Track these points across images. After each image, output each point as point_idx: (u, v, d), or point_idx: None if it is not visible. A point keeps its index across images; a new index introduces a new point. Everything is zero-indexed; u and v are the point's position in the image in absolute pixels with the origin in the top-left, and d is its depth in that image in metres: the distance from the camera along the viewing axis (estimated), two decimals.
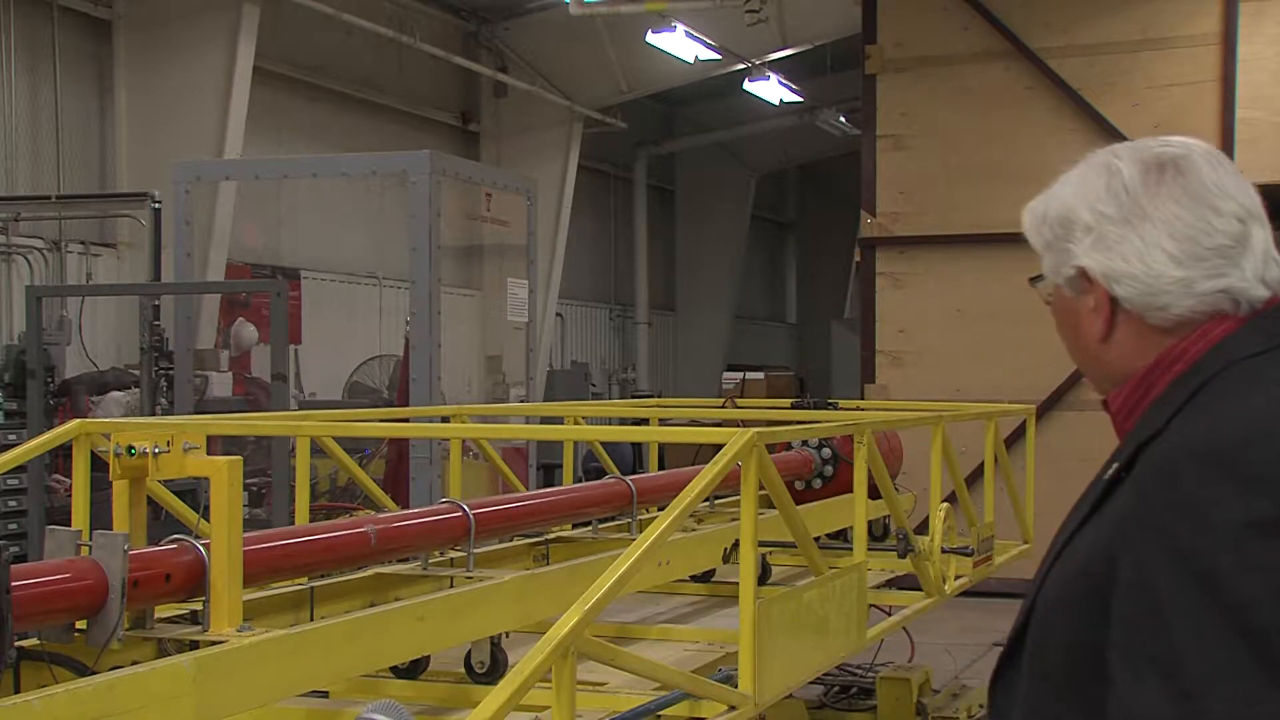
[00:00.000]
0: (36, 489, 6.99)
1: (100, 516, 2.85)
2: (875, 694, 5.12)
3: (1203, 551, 1.19)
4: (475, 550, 3.03)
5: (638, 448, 10.69)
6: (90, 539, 2.19)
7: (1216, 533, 1.19)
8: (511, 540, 3.55)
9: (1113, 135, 8.91)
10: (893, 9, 9.53)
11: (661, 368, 20.52)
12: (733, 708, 2.60)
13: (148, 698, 1.96)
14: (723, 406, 5.69)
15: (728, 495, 4.33)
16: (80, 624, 2.17)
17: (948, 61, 9.40)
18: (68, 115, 10.75)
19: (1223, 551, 1.18)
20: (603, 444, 5.34)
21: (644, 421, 5.99)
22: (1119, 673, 1.22)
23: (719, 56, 14.29)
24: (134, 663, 2.19)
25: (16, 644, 2.07)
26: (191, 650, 2.20)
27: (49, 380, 7.70)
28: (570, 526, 3.84)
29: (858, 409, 5.55)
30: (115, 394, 8.52)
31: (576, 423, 4.89)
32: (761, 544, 3.11)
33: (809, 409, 5.12)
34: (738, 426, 3.23)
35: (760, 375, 14.00)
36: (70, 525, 2.64)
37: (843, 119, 18.09)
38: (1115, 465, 1.36)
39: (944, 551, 4.00)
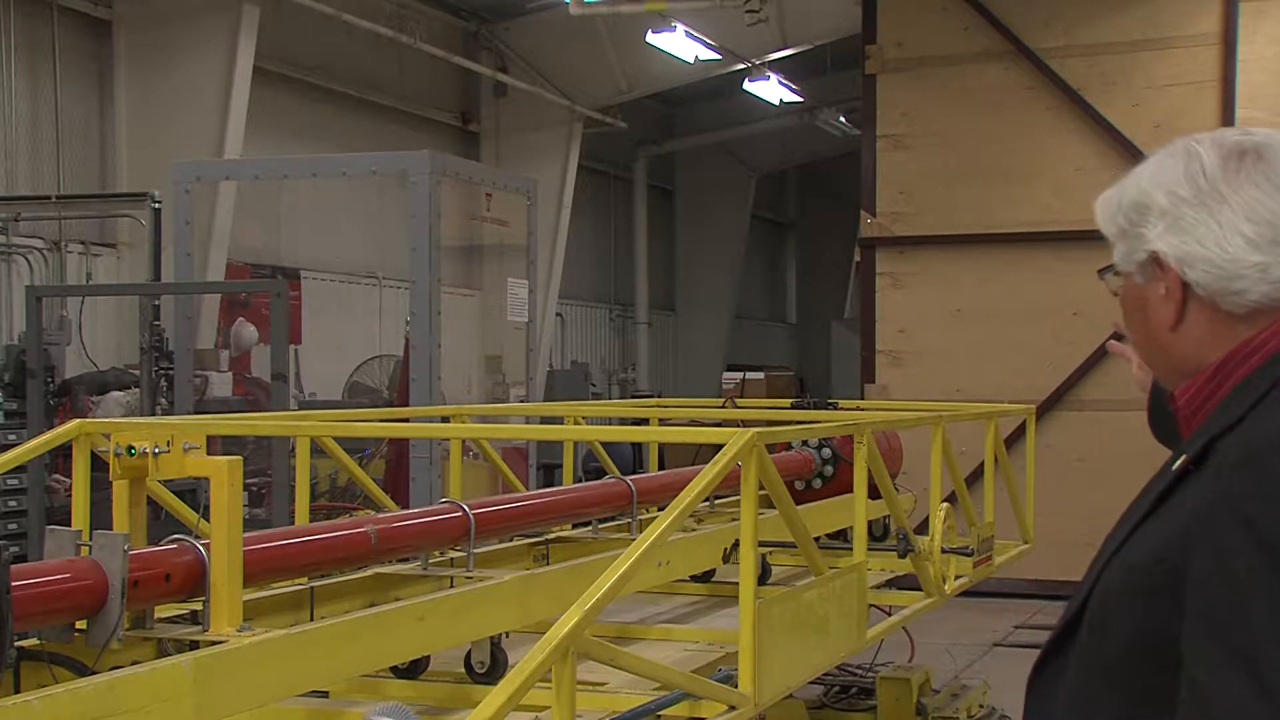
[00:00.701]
0: (36, 489, 6.98)
1: (100, 516, 2.83)
2: (875, 694, 5.09)
3: None
4: (475, 550, 3.01)
5: (638, 448, 10.68)
6: (90, 539, 2.18)
7: None
8: (511, 540, 3.54)
9: (1113, 136, 8.91)
10: (893, 9, 9.53)
11: (661, 368, 20.52)
12: (733, 708, 2.59)
13: (148, 698, 1.96)
14: (723, 406, 5.68)
15: (728, 495, 4.32)
16: (80, 624, 2.17)
17: (948, 61, 9.39)
18: (68, 115, 10.74)
19: None
20: (603, 444, 5.31)
21: (644, 422, 5.97)
22: (1196, 664, 1.21)
23: (719, 56, 14.28)
24: (134, 663, 2.18)
25: (16, 644, 2.07)
26: (191, 650, 2.20)
27: (49, 380, 7.67)
28: (570, 526, 3.83)
29: (858, 409, 5.54)
30: (115, 394, 8.51)
31: (576, 423, 4.88)
32: (761, 544, 3.09)
33: (809, 409, 5.11)
34: (738, 426, 3.22)
35: (760, 375, 14.00)
36: (70, 525, 2.63)
37: (843, 119, 18.08)
38: (1183, 458, 1.33)
39: (944, 551, 3.98)
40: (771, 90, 16.04)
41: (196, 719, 2.05)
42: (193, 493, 6.03)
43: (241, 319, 9.59)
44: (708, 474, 2.56)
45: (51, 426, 5.77)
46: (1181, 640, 1.23)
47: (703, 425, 5.44)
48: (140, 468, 2.52)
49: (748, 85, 15.82)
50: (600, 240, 19.18)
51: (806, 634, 2.97)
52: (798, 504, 3.13)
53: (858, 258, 10.35)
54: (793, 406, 5.35)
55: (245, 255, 11.64)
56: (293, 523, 3.93)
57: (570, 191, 15.83)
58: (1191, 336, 1.38)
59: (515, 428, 5.75)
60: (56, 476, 7.42)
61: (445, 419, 4.75)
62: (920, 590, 4.07)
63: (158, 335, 8.14)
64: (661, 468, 5.78)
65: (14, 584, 1.98)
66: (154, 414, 7.82)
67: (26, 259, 10.28)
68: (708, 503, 4.26)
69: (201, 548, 2.31)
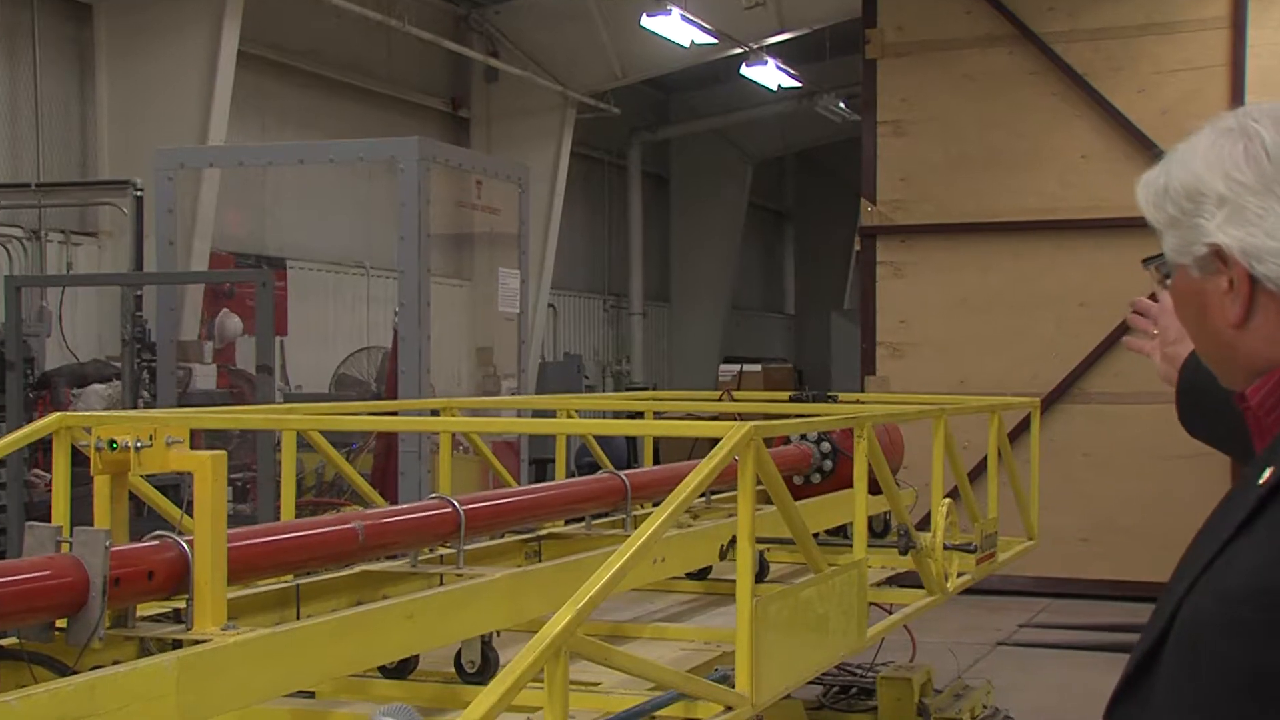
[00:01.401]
0: (15, 484, 6.97)
1: (81, 512, 2.83)
2: (875, 694, 5.10)
3: None
4: (466, 547, 3.02)
5: (632, 442, 10.62)
6: (71, 535, 2.19)
7: None
8: (503, 536, 3.54)
9: (1119, 121, 8.79)
10: None
11: (656, 360, 20.44)
12: (729, 708, 2.59)
13: (129, 698, 1.96)
14: (719, 399, 5.67)
15: (724, 490, 4.31)
16: (60, 623, 2.17)
17: (950, 46, 9.28)
18: (47, 101, 10.67)
19: None
20: (596, 438, 5.31)
21: (639, 415, 5.97)
22: None
23: (715, 41, 14.18)
24: (115, 662, 2.20)
25: None
26: (174, 649, 2.21)
27: (28, 372, 7.74)
28: (563, 522, 3.84)
29: (857, 402, 5.55)
30: (96, 386, 8.43)
31: (569, 416, 4.88)
32: (759, 540, 3.08)
33: (807, 402, 5.11)
34: (734, 420, 3.27)
35: (757, 367, 13.89)
36: (50, 521, 2.66)
37: (842, 104, 17.99)
38: (1270, 469, 1.22)
39: (946, 548, 3.98)
40: (769, 75, 15.93)
41: None
42: (176, 488, 5.93)
43: (226, 310, 9.47)
44: (704, 469, 2.56)
45: (31, 420, 5.83)
46: None
47: (699, 419, 5.50)
48: (122, 462, 2.52)
49: (745, 70, 15.73)
50: (593, 229, 19.07)
51: (805, 633, 2.98)
52: (796, 499, 3.14)
53: (857, 246, 10.25)
54: (791, 399, 5.35)
55: (229, 244, 11.58)
56: (278, 519, 3.97)
57: (563, 179, 15.72)
58: (1260, 334, 1.29)
59: (507, 421, 5.77)
60: (36, 471, 7.42)
61: (435, 412, 4.77)
62: (922, 588, 4.06)
63: (140, 326, 8.16)
64: (656, 462, 5.73)
65: None
66: (136, 407, 7.84)
67: (5, 248, 10.24)
68: (704, 498, 4.29)
69: (185, 544, 2.31)
